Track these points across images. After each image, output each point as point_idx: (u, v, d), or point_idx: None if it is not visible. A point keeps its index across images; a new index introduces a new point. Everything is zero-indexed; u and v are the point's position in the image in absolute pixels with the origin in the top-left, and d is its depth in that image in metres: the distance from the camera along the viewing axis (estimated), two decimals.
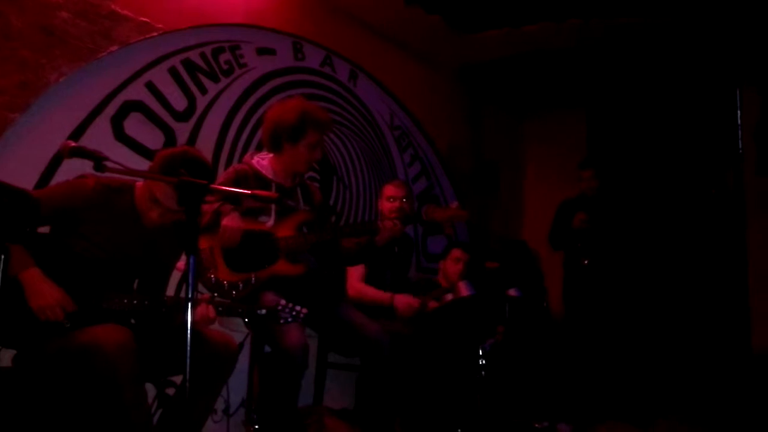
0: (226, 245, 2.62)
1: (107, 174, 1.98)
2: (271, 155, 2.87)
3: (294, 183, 2.90)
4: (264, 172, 2.82)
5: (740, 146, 5.35)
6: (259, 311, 2.34)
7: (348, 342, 2.94)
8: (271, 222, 2.75)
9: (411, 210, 3.49)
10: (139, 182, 2.27)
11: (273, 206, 2.73)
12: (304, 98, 3.05)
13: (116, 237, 2.20)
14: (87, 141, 2.96)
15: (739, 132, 5.37)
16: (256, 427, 2.64)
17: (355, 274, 3.40)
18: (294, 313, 2.35)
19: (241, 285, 2.62)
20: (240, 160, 3.31)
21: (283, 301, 2.36)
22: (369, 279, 3.43)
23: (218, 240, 2.61)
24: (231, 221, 2.59)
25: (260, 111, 3.81)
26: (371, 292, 3.36)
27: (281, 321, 2.34)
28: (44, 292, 2.03)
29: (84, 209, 2.15)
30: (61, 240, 2.16)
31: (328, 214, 3.05)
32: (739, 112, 5.38)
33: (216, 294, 2.57)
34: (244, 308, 2.38)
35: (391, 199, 3.48)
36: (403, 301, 3.32)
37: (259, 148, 3.02)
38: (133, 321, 2.17)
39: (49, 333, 2.06)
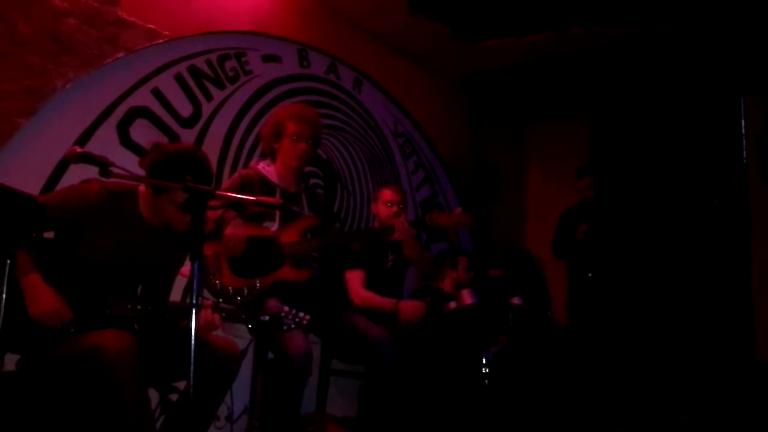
0: (231, 254, 2.62)
1: (111, 179, 1.99)
2: (272, 163, 2.91)
3: (299, 188, 2.91)
4: (270, 177, 2.84)
5: (744, 155, 5.37)
6: (262, 318, 2.34)
7: (352, 347, 2.94)
8: (275, 227, 2.76)
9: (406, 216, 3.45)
10: (143, 186, 2.28)
11: (278, 212, 2.75)
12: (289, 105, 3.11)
13: (120, 242, 2.20)
14: (93, 146, 2.97)
15: (743, 141, 5.40)
16: None
17: (355, 281, 3.36)
18: (297, 319, 2.35)
19: (245, 291, 2.63)
20: (245, 167, 3.32)
21: (286, 308, 2.36)
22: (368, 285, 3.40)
23: (222, 249, 2.62)
24: (234, 230, 2.60)
25: (265, 118, 3.82)
26: (376, 300, 3.34)
27: (284, 328, 2.34)
28: (41, 300, 2.02)
29: (88, 214, 2.15)
30: (66, 245, 2.16)
31: (332, 220, 3.06)
32: (743, 121, 5.41)
33: (221, 300, 2.57)
34: (248, 315, 2.38)
35: (389, 204, 3.45)
36: (409, 306, 3.29)
37: (263, 156, 3.03)
38: (136, 326, 2.17)
39: (53, 338, 2.06)
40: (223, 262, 2.65)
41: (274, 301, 2.61)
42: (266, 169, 2.87)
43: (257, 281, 2.65)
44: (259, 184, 2.79)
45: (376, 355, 2.76)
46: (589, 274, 4.57)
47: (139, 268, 2.24)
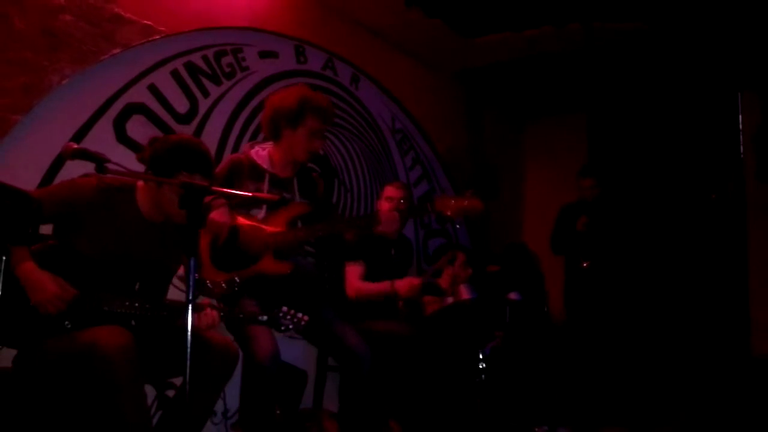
0: (214, 239, 2.52)
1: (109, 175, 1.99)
2: (271, 144, 2.79)
3: (292, 173, 2.78)
4: (260, 161, 2.73)
5: (741, 151, 5.38)
6: (260, 317, 2.32)
7: (330, 349, 2.87)
8: (261, 215, 2.65)
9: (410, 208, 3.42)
10: (141, 181, 2.28)
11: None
12: (306, 86, 2.94)
13: (118, 237, 2.20)
14: (89, 143, 2.96)
15: (740, 137, 5.41)
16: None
17: (354, 274, 3.35)
18: (295, 320, 2.34)
19: (224, 285, 2.53)
20: None
21: (285, 308, 2.35)
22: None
23: (205, 232, 2.50)
24: (219, 215, 2.50)
25: (280, 92, 3.75)
26: (371, 287, 3.30)
27: (282, 328, 2.33)
28: (41, 286, 2.02)
29: (86, 208, 2.15)
30: (63, 240, 2.16)
31: (328, 209, 2.92)
32: (740, 117, 5.42)
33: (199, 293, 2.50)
34: (246, 315, 2.37)
35: (390, 200, 3.46)
36: (404, 284, 3.25)
37: (266, 138, 2.86)
38: (133, 323, 2.17)
39: (50, 333, 2.06)
40: (204, 255, 2.55)
41: (247, 301, 2.54)
42: (259, 153, 2.75)
43: (236, 275, 2.54)
44: (247, 169, 2.69)
45: (352, 366, 2.69)
46: (584, 264, 4.57)
47: (136, 264, 2.24)
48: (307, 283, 2.79)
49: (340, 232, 2.81)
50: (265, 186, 2.69)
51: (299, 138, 2.70)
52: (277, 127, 2.72)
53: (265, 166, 2.74)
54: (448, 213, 2.67)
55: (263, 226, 2.62)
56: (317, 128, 2.71)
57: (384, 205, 3.47)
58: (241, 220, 2.61)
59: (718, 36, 4.70)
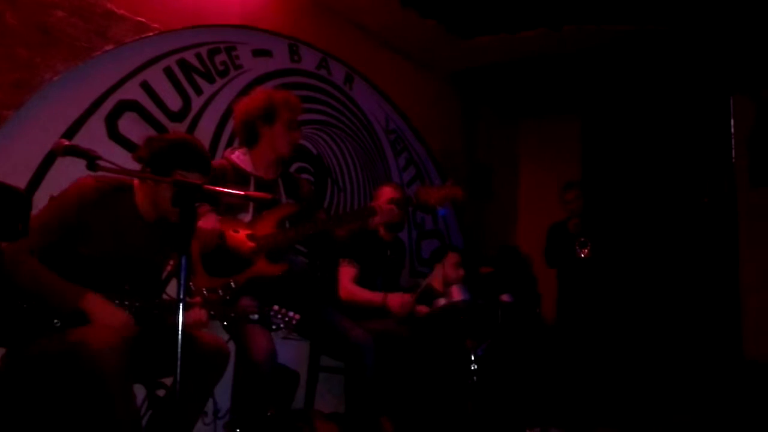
0: (204, 248, 2.53)
1: (104, 173, 1.97)
2: (247, 150, 2.80)
3: (275, 175, 2.81)
4: (243, 165, 2.74)
5: (733, 156, 5.41)
6: (251, 316, 2.31)
7: (332, 346, 2.89)
8: (248, 218, 2.66)
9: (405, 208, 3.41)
10: (137, 180, 2.26)
11: (251, 202, 2.65)
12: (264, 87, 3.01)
13: (117, 237, 2.19)
14: (81, 140, 2.94)
15: (732, 141, 5.43)
16: (237, 430, 2.60)
17: (346, 276, 3.35)
18: (287, 319, 2.33)
19: (220, 291, 2.53)
20: None
21: (276, 307, 2.34)
22: (360, 284, 3.39)
23: (195, 243, 2.50)
24: (207, 223, 2.50)
25: (241, 99, 3.73)
26: (363, 294, 3.32)
27: (273, 327, 2.31)
28: (113, 319, 2.07)
29: (88, 215, 2.14)
30: (66, 243, 2.14)
31: (316, 208, 2.93)
32: (732, 120, 5.44)
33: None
34: (237, 312, 2.36)
35: (391, 202, 3.43)
36: (397, 299, 3.27)
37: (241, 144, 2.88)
38: None
39: (39, 332, 2.04)
40: (196, 263, 2.54)
41: (247, 300, 2.54)
42: (241, 158, 2.77)
43: (231, 280, 2.55)
44: (232, 174, 2.69)
45: (357, 358, 2.70)
46: (582, 254, 4.57)
47: (131, 262, 2.23)
48: (304, 282, 2.80)
49: (332, 229, 2.81)
50: (251, 189, 2.69)
51: (278, 132, 2.74)
52: (253, 130, 2.76)
53: (249, 169, 2.75)
54: (432, 202, 2.85)
55: (253, 229, 2.63)
56: (292, 119, 2.77)
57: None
58: (231, 226, 2.59)
59: (710, 40, 4.73)
